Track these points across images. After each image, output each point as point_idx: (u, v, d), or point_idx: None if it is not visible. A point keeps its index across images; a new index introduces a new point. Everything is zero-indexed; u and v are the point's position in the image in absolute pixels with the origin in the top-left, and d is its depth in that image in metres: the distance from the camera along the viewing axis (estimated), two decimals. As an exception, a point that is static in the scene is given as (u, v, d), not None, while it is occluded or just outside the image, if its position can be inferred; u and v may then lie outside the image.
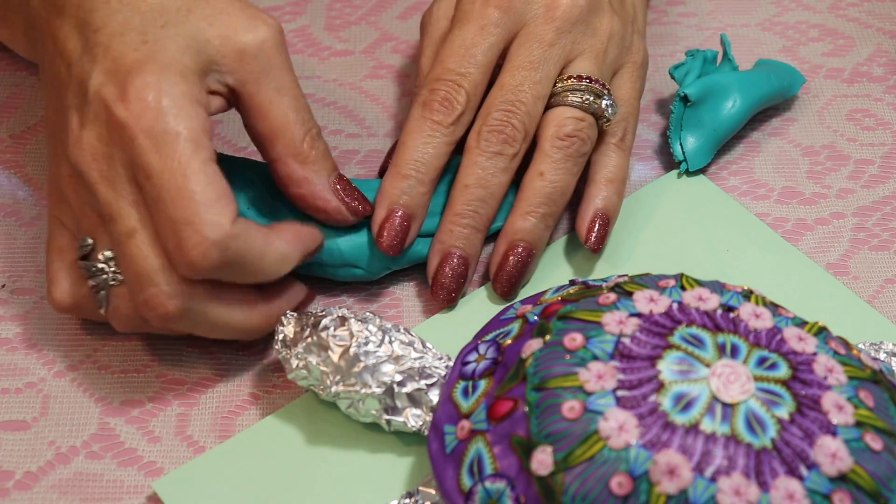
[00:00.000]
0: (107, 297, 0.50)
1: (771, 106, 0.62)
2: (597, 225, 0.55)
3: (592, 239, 0.55)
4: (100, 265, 0.49)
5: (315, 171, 0.52)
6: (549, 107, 0.55)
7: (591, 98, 0.55)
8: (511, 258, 0.54)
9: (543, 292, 0.52)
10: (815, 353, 0.45)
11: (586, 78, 0.55)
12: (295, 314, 0.51)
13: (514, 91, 0.54)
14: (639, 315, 0.46)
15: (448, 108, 0.54)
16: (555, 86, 0.55)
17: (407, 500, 0.48)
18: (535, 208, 0.54)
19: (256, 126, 0.51)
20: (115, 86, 0.48)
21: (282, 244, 0.50)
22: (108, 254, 0.49)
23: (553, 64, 0.55)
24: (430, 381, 0.49)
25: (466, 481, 0.45)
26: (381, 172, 0.59)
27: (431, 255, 0.55)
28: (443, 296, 0.54)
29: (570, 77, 0.55)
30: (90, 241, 0.49)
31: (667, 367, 0.44)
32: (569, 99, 0.55)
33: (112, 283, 0.49)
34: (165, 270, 0.48)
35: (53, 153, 0.51)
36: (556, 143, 0.55)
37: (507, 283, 0.55)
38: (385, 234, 0.54)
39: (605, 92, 0.55)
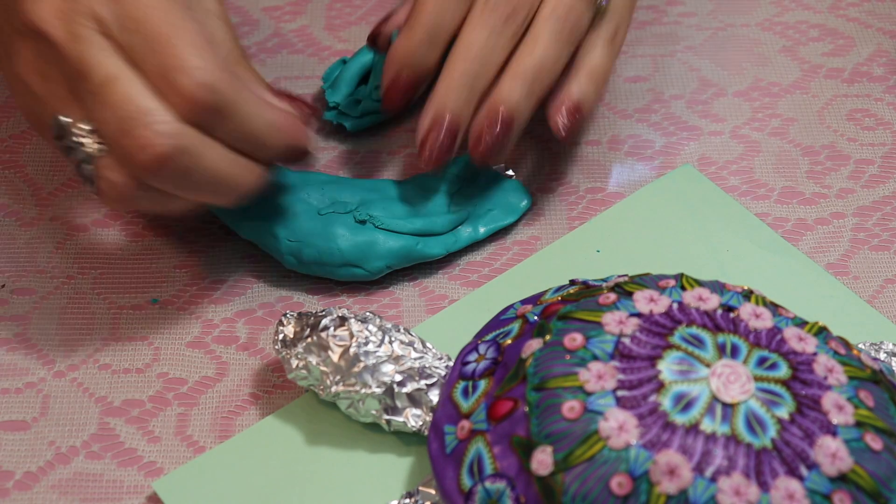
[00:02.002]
0: (93, 172, 0.48)
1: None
2: (570, 111, 0.54)
3: (560, 125, 0.54)
4: (78, 139, 0.47)
5: (248, 80, 0.52)
6: None
7: None
8: (492, 125, 0.53)
9: (543, 292, 0.52)
10: (815, 353, 0.45)
11: None
12: (295, 314, 0.51)
13: None
14: (639, 315, 0.46)
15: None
16: None
17: (407, 500, 0.48)
18: (523, 78, 0.53)
19: None
20: None
21: (271, 113, 0.50)
22: (85, 126, 0.47)
23: None
24: (430, 381, 0.49)
25: (466, 481, 0.45)
26: (372, 38, 0.58)
27: (424, 116, 0.54)
28: (426, 160, 0.53)
29: None
30: (63, 118, 0.47)
31: (667, 367, 0.44)
32: None
33: (97, 153, 0.47)
34: (155, 108, 0.46)
35: (4, 51, 0.49)
36: (551, 19, 0.54)
37: (486, 149, 0.53)
38: (395, 92, 0.54)
39: None
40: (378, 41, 0.58)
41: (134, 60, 0.47)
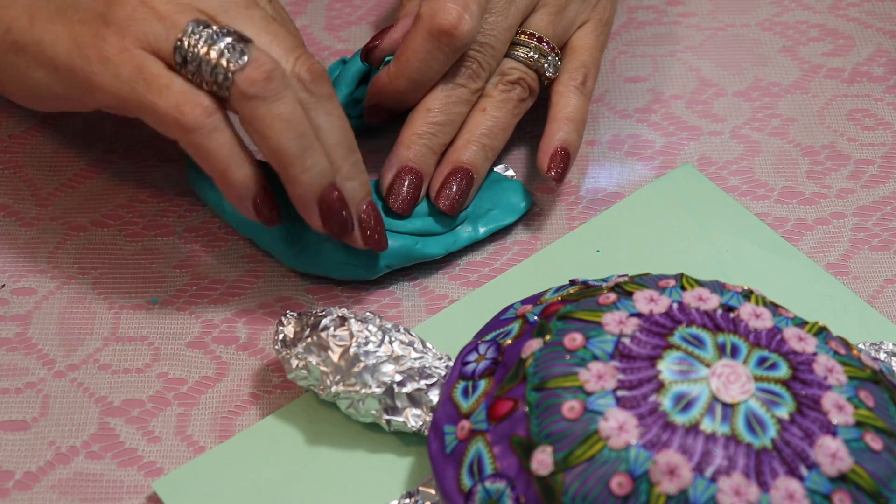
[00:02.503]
0: (239, 60, 0.49)
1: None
2: (558, 157, 0.58)
3: (554, 170, 0.57)
4: (215, 34, 0.49)
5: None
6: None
7: (536, 56, 0.59)
8: (452, 179, 0.57)
9: (543, 292, 0.52)
10: (815, 353, 0.45)
11: (538, 38, 0.59)
12: (295, 314, 0.51)
13: (484, 33, 0.57)
14: (639, 315, 0.46)
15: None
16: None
17: (407, 500, 0.48)
18: (477, 138, 0.57)
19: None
20: None
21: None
22: (223, 29, 0.50)
23: (521, 12, 0.59)
24: (430, 381, 0.49)
25: (466, 481, 0.45)
26: (365, 53, 0.59)
27: (387, 168, 0.57)
28: (399, 206, 0.56)
29: (523, 33, 0.59)
30: (201, 20, 0.50)
31: (667, 367, 0.44)
32: (518, 53, 0.59)
33: (239, 42, 0.49)
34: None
35: (92, 20, 0.50)
36: (499, 86, 0.58)
37: (447, 199, 0.57)
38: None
39: (553, 57, 0.59)
40: (371, 57, 0.59)
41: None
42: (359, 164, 0.53)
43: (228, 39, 0.49)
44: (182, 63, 0.49)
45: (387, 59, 0.59)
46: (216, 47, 0.49)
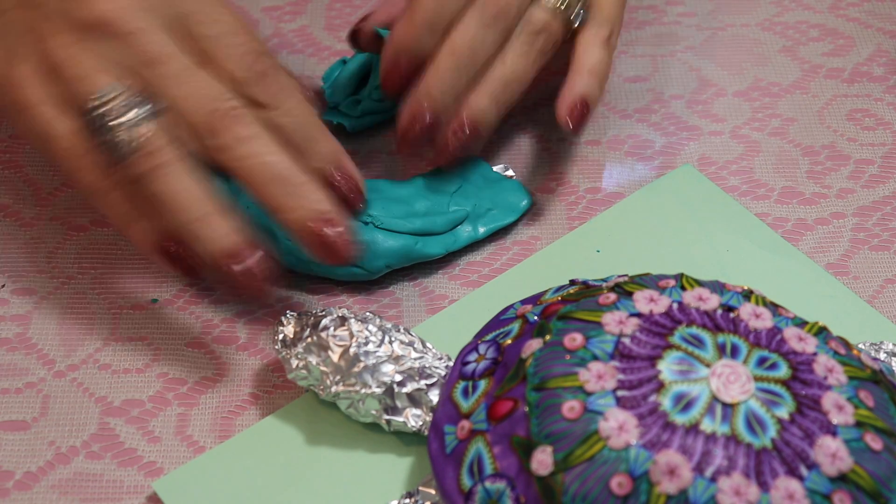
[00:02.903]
0: (138, 132, 0.49)
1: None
2: (578, 108, 0.56)
3: (573, 121, 0.56)
4: (125, 102, 0.49)
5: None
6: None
7: (564, 6, 0.57)
8: (459, 131, 0.56)
9: (543, 292, 0.52)
10: (815, 353, 0.45)
11: None
12: (295, 314, 0.51)
13: None
14: (639, 315, 0.46)
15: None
16: None
17: (407, 500, 0.48)
18: (491, 91, 0.56)
19: None
20: None
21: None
22: (138, 97, 0.49)
23: None
24: (430, 381, 0.49)
25: (466, 481, 0.45)
26: (352, 36, 0.59)
27: (409, 102, 0.56)
28: (401, 143, 0.56)
29: None
30: (114, 86, 0.49)
31: (667, 367, 0.44)
32: (544, 1, 0.57)
33: (145, 115, 0.49)
34: (232, 91, 0.50)
35: (29, 35, 0.50)
36: (523, 36, 0.56)
37: (448, 154, 0.56)
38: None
39: (578, 4, 0.57)
40: (359, 37, 0.59)
41: (204, 49, 0.51)
42: (322, 153, 0.52)
43: (133, 113, 0.49)
44: (90, 126, 0.49)
45: (381, 31, 0.58)
46: (122, 119, 0.49)
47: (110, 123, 0.49)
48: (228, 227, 0.50)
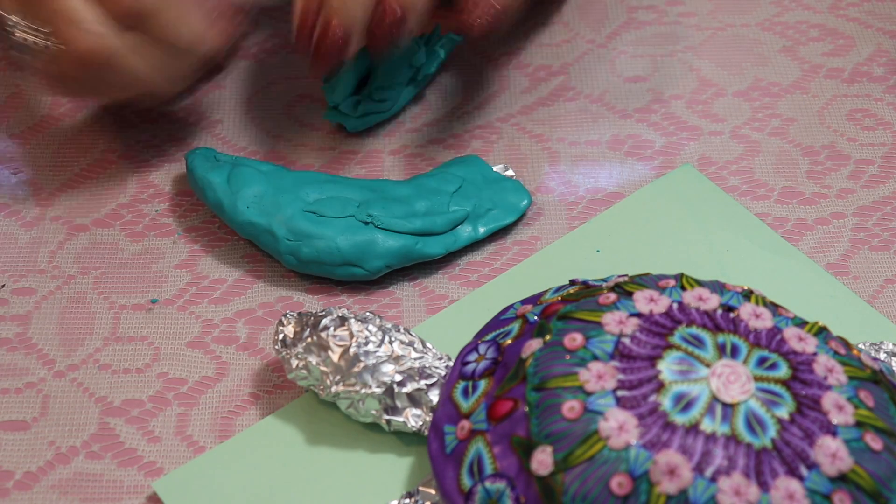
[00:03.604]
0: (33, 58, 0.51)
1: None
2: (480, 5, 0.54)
3: (475, 19, 0.54)
4: (21, 32, 0.51)
5: None
6: None
7: None
8: (385, 18, 0.54)
9: (543, 292, 0.52)
10: (815, 353, 0.45)
11: None
12: (295, 314, 0.51)
13: None
14: (639, 315, 0.46)
15: None
16: None
17: (407, 500, 0.48)
18: None
19: None
20: None
21: (200, 22, 0.53)
22: (24, 21, 0.51)
23: None
24: (430, 381, 0.49)
25: (466, 481, 0.45)
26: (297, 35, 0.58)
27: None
28: (316, 70, 0.55)
29: None
30: (13, 18, 0.51)
31: (667, 367, 0.44)
32: None
33: (37, 45, 0.51)
34: (84, 10, 0.51)
35: None
36: None
37: (380, 41, 0.54)
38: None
39: None
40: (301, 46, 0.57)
41: None
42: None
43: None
44: None
45: None
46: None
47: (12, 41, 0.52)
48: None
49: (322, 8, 0.54)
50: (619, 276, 0.50)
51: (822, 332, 0.47)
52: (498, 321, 0.51)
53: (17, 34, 0.52)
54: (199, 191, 0.57)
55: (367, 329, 0.50)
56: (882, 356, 0.51)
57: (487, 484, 0.45)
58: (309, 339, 0.50)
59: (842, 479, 0.42)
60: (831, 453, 0.43)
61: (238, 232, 0.56)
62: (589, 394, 0.44)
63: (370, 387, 0.49)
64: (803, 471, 0.42)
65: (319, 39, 0.54)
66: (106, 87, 0.54)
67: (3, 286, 0.56)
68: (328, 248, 0.55)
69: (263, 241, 0.56)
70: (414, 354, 0.50)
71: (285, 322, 0.51)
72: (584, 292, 0.49)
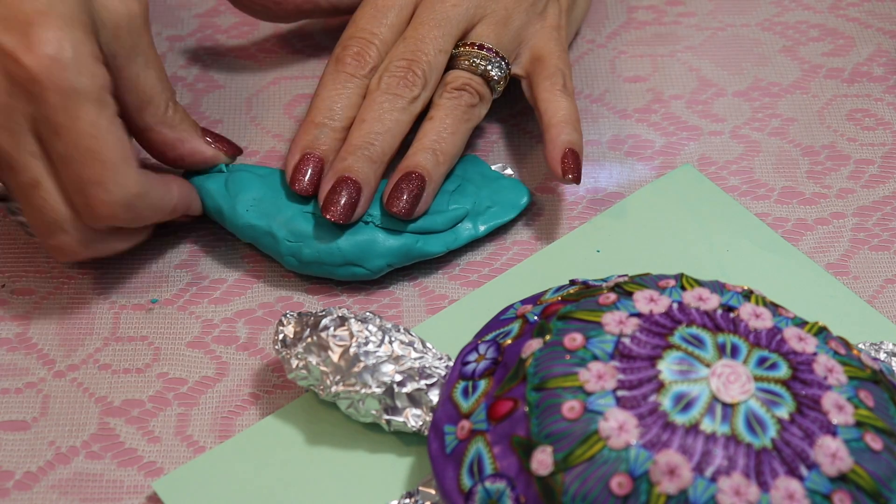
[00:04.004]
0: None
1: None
2: (570, 159, 0.57)
3: (570, 172, 0.56)
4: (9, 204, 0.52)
5: (185, 131, 0.55)
6: (446, 69, 0.59)
7: (479, 61, 0.58)
8: (403, 183, 0.56)
9: (543, 292, 0.52)
10: (815, 353, 0.45)
11: (479, 46, 0.59)
12: (295, 314, 0.51)
13: (416, 42, 0.58)
14: (639, 315, 0.46)
15: (360, 62, 0.57)
16: (456, 48, 0.59)
17: (407, 500, 0.48)
18: (426, 145, 0.57)
19: (124, 98, 0.52)
20: (16, 35, 0.47)
21: (176, 189, 0.54)
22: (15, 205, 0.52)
23: (455, 24, 0.58)
24: (430, 381, 0.49)
25: (466, 481, 0.45)
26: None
27: (325, 180, 0.55)
28: (333, 214, 0.55)
29: (465, 44, 0.59)
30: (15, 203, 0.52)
31: (667, 367, 0.44)
32: (461, 62, 0.58)
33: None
34: (71, 219, 0.51)
35: None
36: (444, 94, 0.58)
37: (398, 203, 0.55)
38: (298, 176, 0.56)
39: (498, 61, 0.59)
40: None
41: (55, 164, 0.50)
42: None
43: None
44: None
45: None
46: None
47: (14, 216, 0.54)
48: None
49: (335, 160, 0.56)
50: (619, 276, 0.50)
51: (822, 332, 0.47)
52: (498, 321, 0.51)
53: (18, 214, 0.54)
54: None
55: (367, 329, 0.50)
56: (882, 356, 0.51)
57: (487, 484, 0.45)
58: (309, 339, 0.50)
59: (842, 479, 0.42)
60: (831, 453, 0.43)
61: (238, 236, 0.56)
62: (589, 394, 0.44)
63: (370, 387, 0.49)
64: (803, 471, 0.42)
65: (331, 193, 0.55)
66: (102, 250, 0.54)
67: (3, 286, 0.56)
68: (329, 248, 0.55)
69: (264, 244, 0.56)
70: (414, 354, 0.50)
71: (285, 322, 0.51)
72: (584, 292, 0.49)
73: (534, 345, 0.46)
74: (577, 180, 0.56)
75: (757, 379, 0.44)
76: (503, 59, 0.59)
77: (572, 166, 0.56)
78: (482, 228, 0.58)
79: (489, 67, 0.58)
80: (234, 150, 0.57)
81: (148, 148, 0.55)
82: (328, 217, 0.54)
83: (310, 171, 0.55)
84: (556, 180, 0.58)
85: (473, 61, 0.58)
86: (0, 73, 0.48)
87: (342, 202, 0.54)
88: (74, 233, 0.51)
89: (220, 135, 0.57)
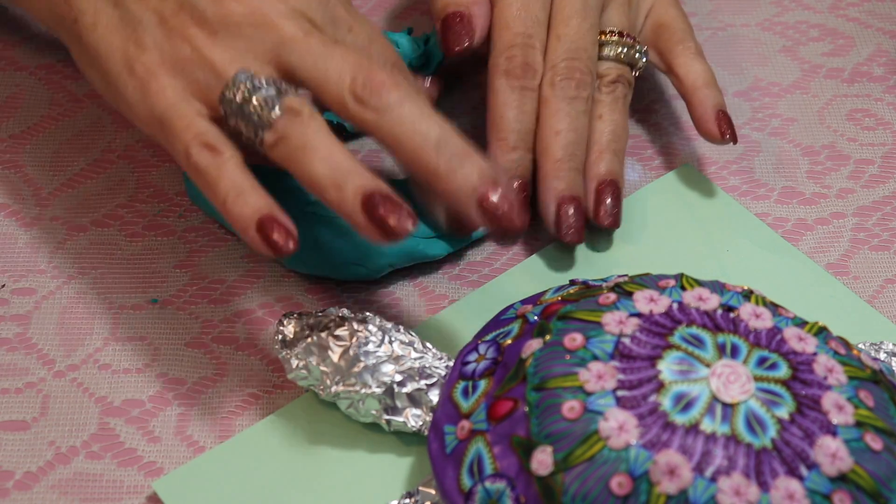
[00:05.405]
0: (272, 115, 0.48)
1: None
2: (723, 119, 0.58)
3: (726, 132, 0.58)
4: (264, 85, 0.48)
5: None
6: None
7: (625, 50, 0.59)
8: (603, 195, 0.56)
9: (543, 292, 0.52)
10: (815, 353, 0.45)
11: (618, 33, 0.59)
12: (295, 314, 0.51)
13: (574, 39, 0.57)
14: (639, 315, 0.46)
15: (529, 72, 0.56)
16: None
17: (407, 500, 0.48)
18: (606, 147, 0.57)
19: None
20: None
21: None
22: (275, 80, 0.48)
23: (596, 11, 0.58)
24: (430, 381, 0.49)
25: (466, 481, 0.45)
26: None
27: (546, 203, 0.56)
28: (571, 236, 0.55)
29: (602, 33, 0.59)
30: (246, 77, 0.48)
31: (667, 367, 0.44)
32: (607, 52, 0.58)
33: (286, 88, 0.48)
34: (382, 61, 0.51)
35: (158, 28, 0.50)
36: (603, 89, 0.58)
37: (608, 216, 0.56)
38: (509, 209, 0.52)
39: (638, 46, 0.59)
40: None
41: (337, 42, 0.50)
42: (455, 158, 0.48)
43: (266, 92, 0.48)
44: (225, 114, 0.49)
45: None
46: (254, 100, 0.48)
47: (242, 106, 0.48)
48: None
49: (546, 178, 0.56)
50: (619, 276, 0.50)
51: (822, 332, 0.47)
52: (498, 321, 0.51)
53: (263, 90, 0.48)
54: (197, 199, 0.57)
55: (367, 329, 0.50)
56: (882, 356, 0.51)
57: (487, 484, 0.45)
58: (309, 339, 0.50)
59: (842, 479, 0.42)
60: (831, 453, 0.43)
61: (238, 236, 0.56)
62: (589, 394, 0.44)
63: (370, 387, 0.49)
64: (803, 471, 0.42)
65: (560, 220, 0.56)
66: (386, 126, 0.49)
67: (3, 286, 0.56)
68: (331, 247, 0.55)
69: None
70: (414, 354, 0.50)
71: (285, 322, 0.51)
72: (584, 292, 0.49)
73: (534, 345, 0.46)
74: (734, 139, 0.58)
75: (757, 379, 0.44)
76: (639, 42, 0.59)
77: (727, 127, 0.58)
78: (482, 229, 0.57)
79: (636, 54, 0.59)
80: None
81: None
82: (568, 240, 0.55)
83: (521, 199, 0.53)
84: (711, 141, 0.59)
85: (619, 50, 0.58)
86: (240, 20, 0.49)
87: (575, 222, 0.55)
88: (382, 70, 0.49)
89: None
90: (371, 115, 0.48)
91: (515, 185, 0.56)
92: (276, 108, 0.48)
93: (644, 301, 0.47)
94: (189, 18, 0.50)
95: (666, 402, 0.43)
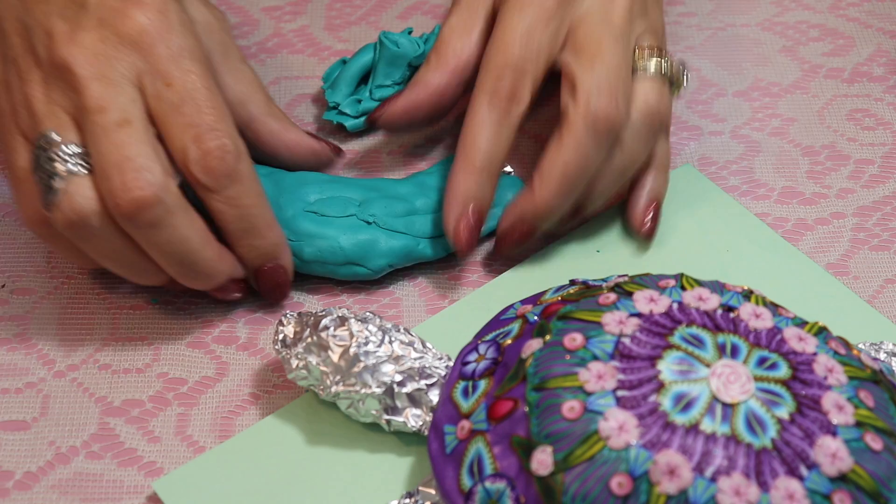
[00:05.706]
0: (58, 189, 0.49)
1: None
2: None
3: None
4: (58, 156, 0.49)
5: (288, 121, 0.57)
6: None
7: (667, 64, 0.55)
8: (653, 212, 0.57)
9: (543, 292, 0.52)
10: (815, 353, 0.45)
11: (657, 48, 0.55)
12: (295, 314, 0.51)
13: (608, 72, 0.53)
14: (639, 315, 0.46)
15: (515, 101, 0.53)
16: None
17: (407, 500, 0.48)
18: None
19: (226, 92, 0.53)
20: None
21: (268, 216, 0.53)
22: (74, 148, 0.49)
23: (632, 39, 0.55)
24: (430, 381, 0.49)
25: (466, 481, 0.45)
26: (372, 121, 0.58)
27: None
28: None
29: (642, 47, 0.55)
30: (55, 134, 0.49)
31: (667, 367, 0.44)
32: (645, 64, 0.55)
33: (68, 174, 0.48)
34: (153, 161, 0.48)
35: (9, 64, 0.51)
36: (639, 120, 0.54)
37: (652, 231, 0.57)
38: (462, 232, 0.54)
39: (676, 63, 0.56)
40: (379, 123, 0.58)
41: (159, 112, 0.49)
42: (256, 248, 0.52)
43: (65, 166, 0.49)
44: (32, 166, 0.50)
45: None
46: (45, 166, 0.49)
47: (45, 166, 0.49)
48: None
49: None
50: (619, 276, 0.50)
51: (822, 332, 0.47)
52: (498, 321, 0.51)
53: (58, 161, 0.49)
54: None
55: (367, 329, 0.50)
56: (882, 356, 0.51)
57: (487, 484, 0.45)
58: (309, 339, 0.50)
59: (842, 479, 0.42)
60: (831, 453, 0.43)
61: None
62: (589, 394, 0.44)
63: (370, 387, 0.49)
64: (803, 471, 0.42)
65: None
66: (148, 246, 0.50)
67: (3, 286, 0.56)
68: (331, 247, 0.55)
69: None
70: (414, 354, 0.50)
71: (285, 322, 0.51)
72: (584, 292, 0.49)
73: (534, 345, 0.46)
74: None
75: (757, 379, 0.44)
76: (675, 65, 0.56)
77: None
78: (483, 228, 0.58)
79: (677, 74, 0.56)
80: (337, 150, 0.58)
81: (255, 139, 0.55)
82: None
83: (472, 225, 0.54)
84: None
85: (662, 63, 0.55)
86: (108, 28, 0.49)
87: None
88: (149, 172, 0.48)
89: (318, 136, 0.58)
90: (133, 231, 0.50)
91: (470, 208, 0.54)
92: (62, 185, 0.49)
93: (644, 301, 0.47)
94: (31, 61, 0.50)
95: (666, 403, 0.43)
